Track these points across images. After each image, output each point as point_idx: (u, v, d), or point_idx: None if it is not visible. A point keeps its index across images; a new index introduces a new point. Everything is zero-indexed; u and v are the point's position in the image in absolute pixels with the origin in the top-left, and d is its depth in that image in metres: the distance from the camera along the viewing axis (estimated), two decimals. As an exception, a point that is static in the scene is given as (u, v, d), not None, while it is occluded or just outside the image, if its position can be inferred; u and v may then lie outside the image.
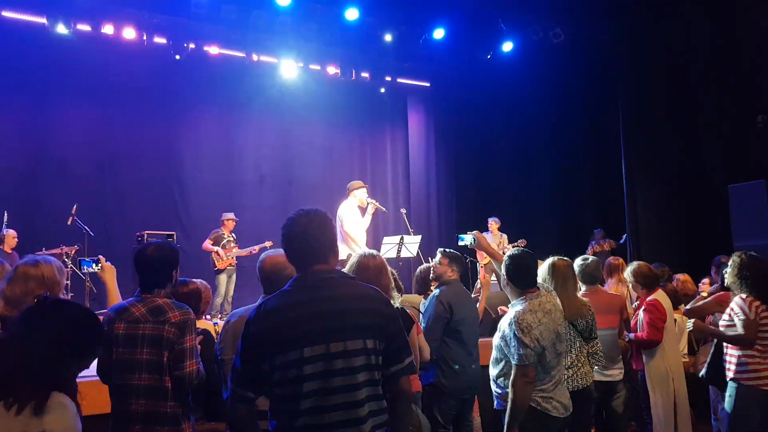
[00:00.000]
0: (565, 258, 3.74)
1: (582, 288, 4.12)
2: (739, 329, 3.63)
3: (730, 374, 3.72)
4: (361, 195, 6.79)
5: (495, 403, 3.15)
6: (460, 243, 3.73)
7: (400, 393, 2.10)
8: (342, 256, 6.49)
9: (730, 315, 3.74)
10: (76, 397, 2.69)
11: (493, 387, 3.14)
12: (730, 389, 3.70)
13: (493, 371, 3.13)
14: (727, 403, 3.72)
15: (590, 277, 4.16)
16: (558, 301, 3.16)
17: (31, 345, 1.73)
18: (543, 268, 3.62)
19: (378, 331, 2.00)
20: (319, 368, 1.90)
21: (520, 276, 3.08)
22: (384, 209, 7.18)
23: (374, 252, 3.27)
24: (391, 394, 2.09)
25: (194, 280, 3.51)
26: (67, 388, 1.78)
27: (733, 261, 3.84)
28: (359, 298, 2.05)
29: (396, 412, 2.08)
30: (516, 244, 9.14)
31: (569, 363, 3.40)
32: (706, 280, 5.96)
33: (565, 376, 3.29)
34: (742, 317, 3.62)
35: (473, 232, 3.69)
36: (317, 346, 1.91)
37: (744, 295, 3.70)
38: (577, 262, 4.14)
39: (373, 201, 6.87)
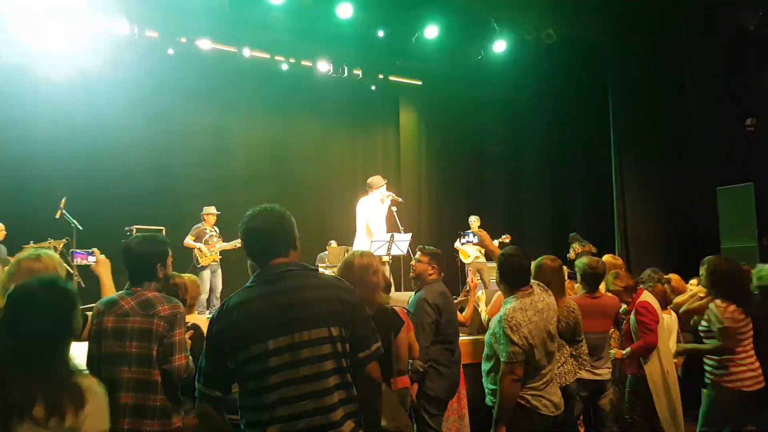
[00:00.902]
0: (556, 258, 3.73)
1: (583, 290, 4.11)
2: (718, 338, 3.66)
3: (710, 376, 3.75)
4: (381, 191, 6.91)
5: (487, 398, 3.16)
6: (463, 241, 3.75)
7: (368, 379, 2.10)
8: (364, 248, 6.54)
9: (707, 321, 3.77)
10: None
11: (485, 382, 3.15)
12: (709, 390, 3.75)
13: (484, 366, 3.15)
14: (705, 403, 3.76)
15: (596, 281, 4.09)
16: (552, 300, 3.16)
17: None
18: (532, 267, 3.62)
19: (341, 318, 2.00)
20: (285, 359, 1.90)
21: (512, 274, 3.10)
22: (400, 200, 7.23)
23: (364, 251, 3.26)
24: (360, 381, 2.08)
25: (182, 274, 3.50)
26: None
27: (707, 265, 3.86)
28: (320, 287, 2.06)
29: (366, 399, 2.08)
30: (501, 239, 9.10)
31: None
32: (694, 281, 5.99)
33: None
34: (719, 326, 3.65)
35: (478, 230, 3.69)
36: (282, 337, 1.91)
37: (719, 301, 3.71)
38: (584, 263, 4.10)
39: (391, 194, 6.99)
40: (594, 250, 10.26)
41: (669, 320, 4.74)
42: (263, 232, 2.08)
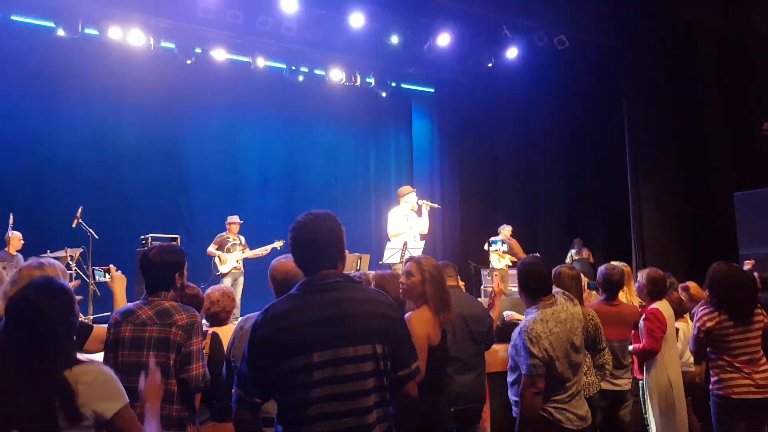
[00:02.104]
0: (574, 267, 3.69)
1: (601, 297, 4.08)
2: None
3: (712, 386, 3.76)
4: (410, 199, 6.88)
5: (512, 410, 3.11)
6: (493, 248, 3.72)
7: (406, 398, 2.07)
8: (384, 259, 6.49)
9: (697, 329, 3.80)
10: None
11: (510, 394, 3.10)
12: (711, 400, 3.75)
13: (509, 378, 3.08)
14: (712, 414, 3.75)
15: (614, 287, 4.06)
16: (578, 309, 3.10)
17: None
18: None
19: (385, 335, 1.97)
20: (329, 374, 1.87)
21: (532, 283, 3.04)
22: (437, 206, 7.23)
23: (387, 272, 3.25)
24: (398, 400, 2.05)
25: (213, 286, 3.56)
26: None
27: (708, 271, 3.85)
28: (366, 301, 2.01)
29: (402, 418, 2.05)
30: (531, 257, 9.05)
31: None
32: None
33: None
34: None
35: (508, 239, 3.67)
36: (326, 351, 1.88)
37: (700, 308, 3.75)
38: (601, 271, 4.07)
39: (424, 201, 6.98)
40: (591, 259, 10.22)
41: (685, 328, 4.67)
42: (313, 242, 2.02)
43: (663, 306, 4.18)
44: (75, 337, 2.01)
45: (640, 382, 4.35)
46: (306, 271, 2.05)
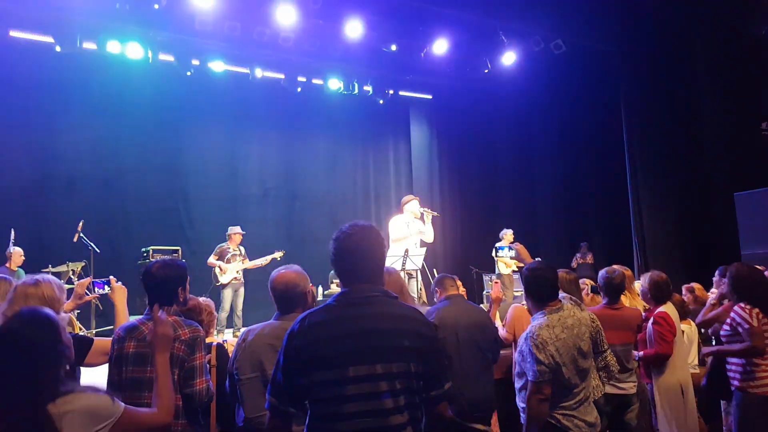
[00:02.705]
0: (571, 272, 3.69)
1: (603, 301, 4.08)
2: (746, 339, 3.61)
3: (735, 383, 3.70)
4: (413, 208, 6.94)
5: (521, 417, 3.09)
6: (500, 254, 3.71)
7: (438, 418, 2.03)
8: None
9: (731, 325, 3.72)
10: None
11: (518, 400, 3.09)
12: (736, 398, 3.68)
13: (516, 384, 3.08)
14: (734, 412, 3.69)
15: (616, 291, 4.05)
16: (585, 314, 3.08)
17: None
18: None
19: (420, 353, 1.94)
20: (364, 389, 1.84)
21: (537, 288, 3.03)
22: (435, 213, 7.29)
23: (390, 268, 3.22)
24: (429, 419, 2.02)
25: (193, 296, 3.51)
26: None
27: (730, 272, 3.85)
28: (403, 318, 1.98)
29: None
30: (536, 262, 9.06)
31: None
32: (714, 290, 5.91)
33: None
34: (746, 326, 3.60)
35: (514, 244, 3.66)
36: (363, 366, 1.86)
37: (743, 304, 3.69)
38: (602, 275, 4.07)
39: (425, 209, 7.04)
40: (591, 261, 10.21)
41: (689, 331, 4.67)
42: (356, 253, 2.00)
43: (670, 309, 4.17)
44: (68, 364, 1.98)
45: (648, 385, 4.32)
46: (345, 283, 2.04)
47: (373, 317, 1.94)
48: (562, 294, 3.19)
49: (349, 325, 1.91)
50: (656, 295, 4.20)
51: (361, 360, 1.86)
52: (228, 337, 7.27)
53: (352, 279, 2.02)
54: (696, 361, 4.81)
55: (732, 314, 3.73)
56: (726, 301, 4.28)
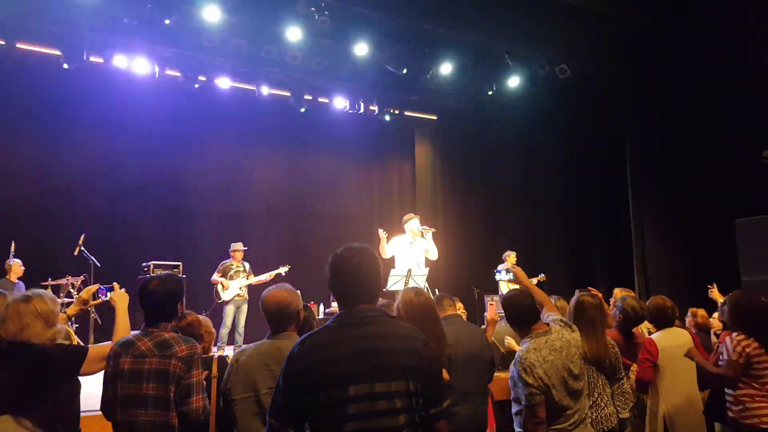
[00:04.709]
0: (594, 295, 3.63)
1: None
2: (722, 368, 3.66)
3: (730, 413, 3.70)
4: (413, 226, 6.92)
5: None
6: (497, 277, 3.69)
7: None
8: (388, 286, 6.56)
9: (727, 352, 3.72)
10: (78, 423, 2.68)
11: (515, 425, 3.07)
12: (730, 426, 3.70)
13: (513, 409, 3.06)
14: None
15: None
16: (576, 335, 3.07)
17: None
18: (570, 306, 3.56)
19: (420, 372, 1.96)
20: (363, 408, 1.86)
21: (516, 316, 3.08)
22: (433, 230, 7.29)
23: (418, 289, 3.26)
24: None
25: (190, 311, 3.49)
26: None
27: (729, 301, 3.85)
28: (402, 338, 2.01)
29: None
30: (537, 278, 9.08)
31: (591, 403, 3.31)
32: (715, 315, 5.86)
33: (592, 417, 3.21)
34: (726, 357, 3.66)
35: (512, 267, 3.63)
36: (362, 385, 1.88)
37: (735, 334, 3.69)
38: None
39: (425, 228, 7.06)
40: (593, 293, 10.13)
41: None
42: (357, 276, 2.03)
43: (666, 335, 4.10)
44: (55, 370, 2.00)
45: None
46: (344, 304, 2.06)
47: (373, 337, 1.96)
48: (553, 316, 3.19)
49: (349, 346, 1.93)
50: (657, 318, 4.16)
51: (361, 379, 1.88)
52: (229, 353, 7.21)
53: (351, 301, 2.04)
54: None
55: (725, 341, 3.74)
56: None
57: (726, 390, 3.75)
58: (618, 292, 4.85)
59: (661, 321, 4.16)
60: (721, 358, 3.77)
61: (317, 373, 1.89)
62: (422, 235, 7.08)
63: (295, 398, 1.92)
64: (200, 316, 3.55)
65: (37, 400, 2.48)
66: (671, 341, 4.06)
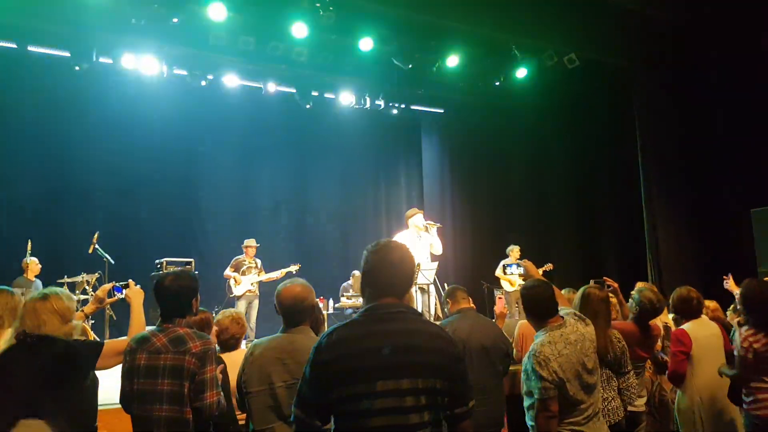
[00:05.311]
0: (601, 288, 3.61)
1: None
2: (735, 366, 3.63)
3: (744, 405, 3.67)
4: (417, 222, 6.93)
5: None
6: (508, 272, 3.72)
7: None
8: None
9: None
10: (96, 418, 2.73)
11: (527, 419, 3.07)
12: (745, 418, 3.67)
13: (525, 403, 3.05)
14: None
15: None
16: (590, 329, 3.05)
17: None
18: (576, 297, 3.55)
19: (446, 371, 1.96)
20: (389, 404, 1.86)
21: (535, 307, 3.03)
22: (438, 225, 7.29)
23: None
24: None
25: (224, 311, 3.57)
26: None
27: (741, 289, 3.77)
28: (430, 335, 2.00)
29: None
30: (543, 268, 9.07)
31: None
32: (730, 309, 5.82)
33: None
34: (736, 354, 3.61)
35: (522, 261, 3.64)
36: (390, 380, 1.87)
37: (744, 329, 3.62)
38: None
39: (429, 222, 7.06)
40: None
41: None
42: (397, 267, 2.02)
43: (695, 325, 4.06)
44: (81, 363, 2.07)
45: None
46: (372, 297, 2.04)
47: (401, 333, 1.95)
48: (566, 310, 3.17)
49: (377, 340, 1.92)
50: (680, 309, 4.13)
51: (389, 375, 1.87)
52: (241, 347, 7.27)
53: (383, 292, 2.02)
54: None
55: (738, 337, 3.67)
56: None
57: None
58: (640, 286, 4.83)
59: (688, 312, 4.10)
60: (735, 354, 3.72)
61: (344, 366, 1.89)
62: (427, 230, 7.08)
63: (321, 389, 1.91)
64: (233, 312, 3.65)
65: (63, 393, 2.53)
66: (703, 331, 4.03)
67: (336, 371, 1.89)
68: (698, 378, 3.96)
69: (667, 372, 4.00)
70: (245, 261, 8.39)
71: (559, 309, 3.11)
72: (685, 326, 4.05)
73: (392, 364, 1.89)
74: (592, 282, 3.80)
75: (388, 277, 2.02)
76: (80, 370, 2.64)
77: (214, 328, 3.53)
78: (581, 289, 3.58)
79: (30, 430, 2.11)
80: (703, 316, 4.20)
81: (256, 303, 8.33)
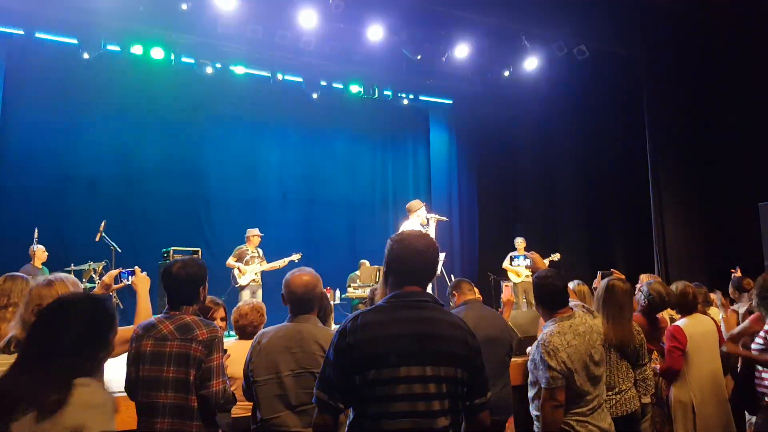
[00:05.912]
0: (624, 281, 3.60)
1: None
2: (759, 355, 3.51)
3: (766, 399, 3.59)
4: (421, 214, 6.98)
5: (534, 425, 3.07)
6: (515, 263, 3.72)
7: (480, 426, 2.07)
8: None
9: (763, 338, 3.61)
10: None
11: (531, 409, 3.07)
12: (762, 413, 3.58)
13: (530, 393, 3.07)
14: (760, 427, 3.60)
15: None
16: (597, 322, 3.07)
17: (42, 349, 1.80)
18: (599, 288, 3.53)
19: (467, 361, 1.99)
20: (412, 390, 1.88)
21: (547, 297, 3.03)
22: (445, 219, 7.32)
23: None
24: (470, 426, 2.07)
25: (247, 300, 3.59)
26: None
27: (758, 282, 3.72)
28: (452, 325, 2.03)
29: None
30: (550, 258, 9.06)
31: (616, 389, 3.29)
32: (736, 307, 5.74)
33: (613, 401, 3.22)
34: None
35: (529, 253, 3.64)
36: (414, 367, 1.89)
37: (757, 322, 3.59)
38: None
39: (434, 215, 7.05)
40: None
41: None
42: (423, 254, 2.05)
43: (692, 321, 4.06)
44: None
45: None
46: (396, 284, 2.05)
47: (426, 321, 1.98)
48: (574, 302, 3.17)
49: (402, 327, 1.95)
50: (678, 304, 4.11)
51: (413, 361, 1.90)
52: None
53: (407, 280, 2.05)
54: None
55: (766, 326, 3.61)
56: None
57: (763, 376, 3.58)
58: (645, 278, 4.80)
59: (685, 307, 4.08)
60: (758, 342, 3.63)
61: (369, 350, 1.90)
62: (426, 223, 7.06)
63: (345, 373, 1.92)
64: (255, 302, 3.73)
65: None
66: (698, 327, 3.99)
67: (361, 355, 1.90)
68: (692, 374, 3.92)
69: (665, 367, 3.96)
70: (248, 250, 8.39)
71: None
72: (680, 322, 4.02)
73: (416, 350, 1.91)
74: (614, 273, 3.77)
75: (413, 264, 2.04)
76: (106, 331, 2.62)
77: (233, 316, 3.54)
78: (604, 281, 3.57)
79: None
80: (698, 313, 4.16)
81: (259, 293, 8.33)
